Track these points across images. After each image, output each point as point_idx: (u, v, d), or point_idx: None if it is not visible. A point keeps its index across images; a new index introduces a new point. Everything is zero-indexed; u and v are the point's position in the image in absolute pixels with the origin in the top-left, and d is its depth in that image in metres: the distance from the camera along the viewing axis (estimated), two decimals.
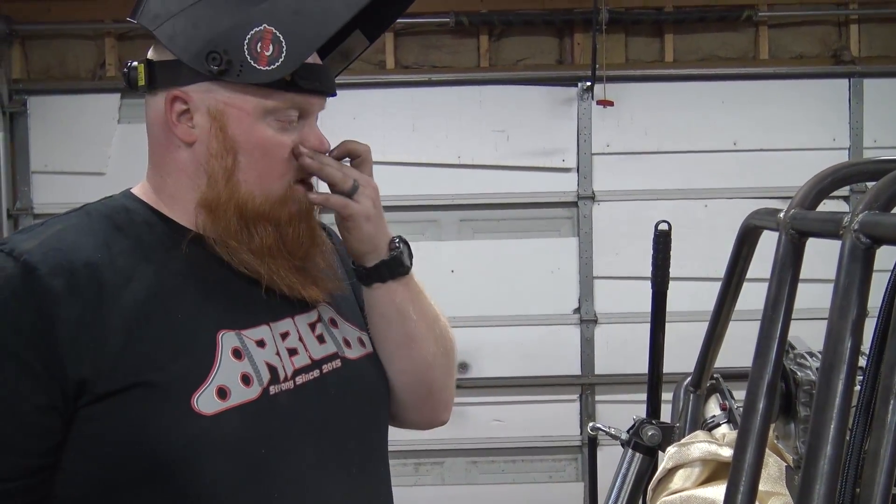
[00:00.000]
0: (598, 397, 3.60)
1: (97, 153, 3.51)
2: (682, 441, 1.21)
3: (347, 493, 0.97)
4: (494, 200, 3.58)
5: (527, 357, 3.57)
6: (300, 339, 0.98)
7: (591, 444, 1.57)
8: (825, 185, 0.81)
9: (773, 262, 0.80)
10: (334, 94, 0.98)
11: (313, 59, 0.95)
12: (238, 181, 0.92)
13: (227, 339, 0.91)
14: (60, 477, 0.86)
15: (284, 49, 0.89)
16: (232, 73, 0.89)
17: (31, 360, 0.82)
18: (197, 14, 0.90)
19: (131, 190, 0.99)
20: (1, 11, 3.50)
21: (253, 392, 0.90)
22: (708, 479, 1.17)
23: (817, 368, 0.99)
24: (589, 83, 3.47)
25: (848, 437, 0.78)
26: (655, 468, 1.34)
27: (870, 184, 0.74)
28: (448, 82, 3.57)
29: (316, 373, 0.97)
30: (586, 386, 3.60)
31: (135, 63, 0.94)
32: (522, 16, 3.53)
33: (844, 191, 3.36)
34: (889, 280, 0.78)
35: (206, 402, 0.87)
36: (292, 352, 0.96)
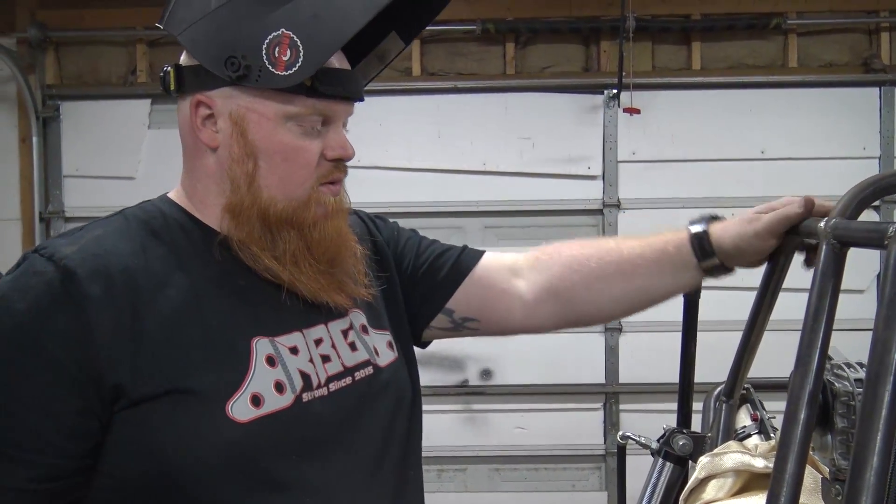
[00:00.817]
0: (622, 406, 3.58)
1: (128, 158, 3.56)
2: (715, 451, 1.20)
3: (379, 499, 0.97)
4: (519, 207, 3.58)
5: (551, 365, 3.56)
6: (333, 345, 0.98)
7: (620, 452, 1.56)
8: (867, 194, 0.81)
9: (814, 272, 0.80)
10: (360, 100, 0.97)
11: (340, 63, 0.95)
12: (259, 186, 0.92)
13: (262, 346, 0.91)
14: (98, 479, 0.87)
15: (302, 53, 0.87)
16: (251, 78, 0.88)
17: (68, 363, 0.83)
18: (219, 19, 0.90)
19: (168, 194, 1.00)
20: (35, 19, 3.57)
21: (286, 400, 0.90)
22: (741, 490, 1.16)
23: (855, 380, 0.98)
24: (615, 91, 3.46)
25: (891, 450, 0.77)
26: (685, 479, 1.33)
27: None
28: (474, 89, 3.58)
29: (349, 380, 0.98)
30: (610, 395, 3.58)
31: (169, 67, 0.95)
32: (548, 23, 3.54)
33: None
34: None
35: (240, 409, 0.87)
36: (325, 359, 0.96)
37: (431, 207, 3.53)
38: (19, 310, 0.84)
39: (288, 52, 0.87)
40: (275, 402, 0.89)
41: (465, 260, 1.15)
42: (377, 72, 1.06)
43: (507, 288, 1.15)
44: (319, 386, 0.94)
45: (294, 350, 0.93)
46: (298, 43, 0.87)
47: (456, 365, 3.57)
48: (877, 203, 3.39)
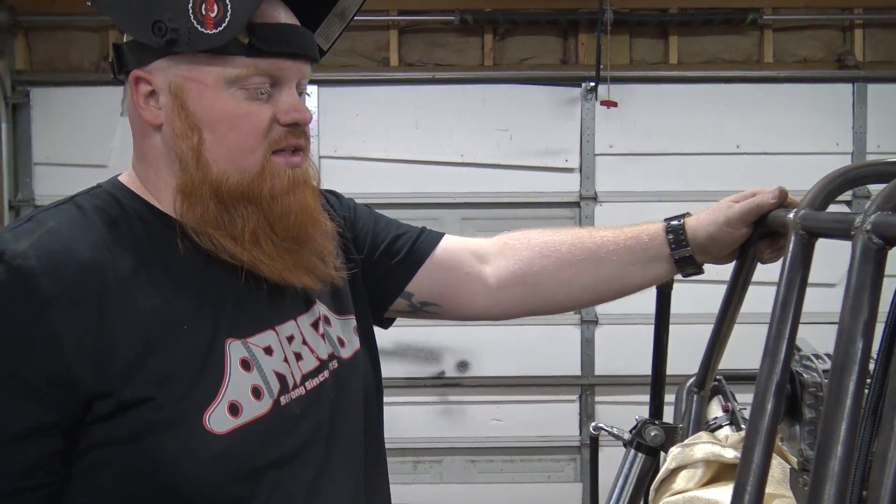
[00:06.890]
0: (597, 398, 3.60)
1: (100, 146, 3.50)
2: (686, 442, 1.21)
3: (356, 493, 0.96)
4: (496, 199, 3.58)
5: (527, 357, 3.56)
6: (304, 342, 0.94)
7: (593, 443, 1.57)
8: (835, 185, 0.81)
9: (783, 262, 0.80)
10: (309, 57, 0.89)
11: (288, 17, 0.88)
12: (208, 161, 0.85)
13: (235, 349, 0.86)
14: (73, 489, 0.82)
15: (229, 7, 0.80)
16: (181, 42, 0.82)
17: (30, 376, 0.78)
18: None
19: (119, 179, 0.92)
20: (5, 2, 3.49)
21: (264, 406, 0.86)
22: (711, 481, 1.17)
23: (823, 371, 0.99)
24: (593, 84, 3.47)
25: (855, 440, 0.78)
26: (657, 469, 1.34)
27: (875, 187, 0.74)
28: (452, 81, 3.57)
29: (324, 375, 0.94)
30: (586, 386, 3.59)
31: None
32: (527, 15, 3.53)
33: (847, 195, 3.35)
34: None
35: (218, 420, 0.82)
36: (298, 356, 0.92)
37: (409, 199, 3.51)
38: None
39: (215, 8, 0.81)
40: (253, 410, 0.85)
41: (424, 243, 1.10)
42: (340, 31, 0.99)
43: (470, 272, 1.11)
44: (296, 386, 0.90)
45: (268, 350, 0.89)
46: None
47: (432, 356, 3.56)
48: (849, 198, 3.43)
